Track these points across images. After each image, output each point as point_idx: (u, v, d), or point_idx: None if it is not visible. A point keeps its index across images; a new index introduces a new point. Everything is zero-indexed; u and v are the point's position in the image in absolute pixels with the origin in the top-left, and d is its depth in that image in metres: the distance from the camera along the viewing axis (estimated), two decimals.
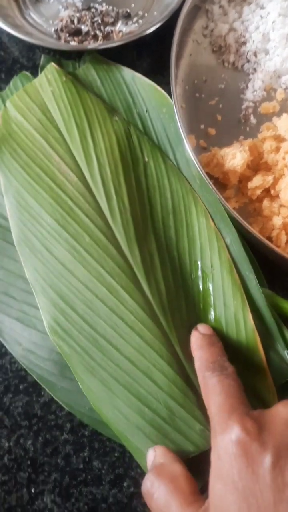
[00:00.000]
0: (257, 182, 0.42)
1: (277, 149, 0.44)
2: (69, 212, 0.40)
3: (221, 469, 0.28)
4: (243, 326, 0.39)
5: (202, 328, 0.39)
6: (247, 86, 0.47)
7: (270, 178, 0.42)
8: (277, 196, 0.42)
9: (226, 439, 0.28)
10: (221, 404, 0.31)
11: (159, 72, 0.49)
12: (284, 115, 0.44)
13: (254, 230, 0.39)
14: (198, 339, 0.38)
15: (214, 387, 0.33)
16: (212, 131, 0.46)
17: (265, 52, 0.48)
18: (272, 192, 0.43)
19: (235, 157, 0.42)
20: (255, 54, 0.48)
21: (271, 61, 0.47)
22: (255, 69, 0.48)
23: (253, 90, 0.47)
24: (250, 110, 0.47)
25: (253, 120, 0.47)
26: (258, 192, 0.42)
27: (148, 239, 0.41)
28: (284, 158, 0.43)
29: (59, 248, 0.40)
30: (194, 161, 0.40)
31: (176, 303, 0.40)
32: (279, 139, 0.44)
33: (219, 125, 0.46)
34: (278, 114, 0.47)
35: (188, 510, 0.29)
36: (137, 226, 0.41)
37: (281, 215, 0.41)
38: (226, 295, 0.40)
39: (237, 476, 0.27)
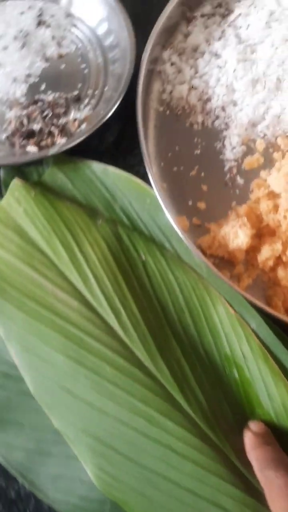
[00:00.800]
0: (266, 253, 0.39)
1: (275, 208, 0.41)
2: (80, 344, 0.37)
3: None
4: None
5: (254, 426, 0.36)
6: (224, 145, 0.44)
7: (278, 246, 0.39)
8: None
9: None
10: None
11: (128, 152, 0.46)
12: (274, 172, 0.41)
13: (274, 311, 0.36)
14: (251, 439, 0.35)
15: (281, 490, 0.31)
16: (201, 205, 0.43)
17: (233, 104, 0.45)
18: (284, 258, 0.40)
19: (237, 235, 0.39)
20: (223, 108, 0.45)
21: (242, 112, 0.44)
22: (227, 124, 0.45)
23: (232, 148, 0.44)
24: (234, 170, 0.44)
25: (240, 180, 0.44)
26: (270, 263, 0.40)
27: (171, 347, 0.38)
28: (285, 217, 0.40)
29: (80, 388, 0.36)
30: (194, 252, 0.37)
31: (219, 408, 0.37)
32: (273, 195, 0.42)
33: (207, 196, 0.43)
34: (264, 166, 0.44)
35: None
36: (155, 337, 0.38)
37: None
38: (267, 385, 0.37)
39: None
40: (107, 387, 0.36)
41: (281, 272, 0.40)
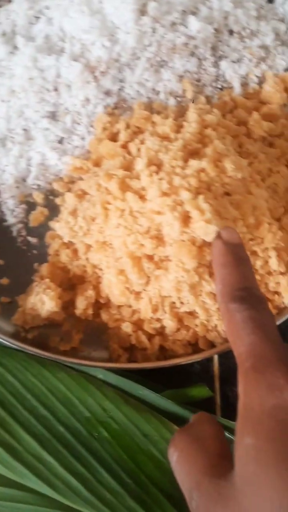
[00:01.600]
0: (81, 304, 0.38)
1: (75, 254, 0.40)
2: None
3: (256, 428, 0.22)
4: None
5: (226, 233, 0.31)
6: (2, 211, 0.42)
7: (90, 292, 0.38)
8: (108, 301, 0.39)
9: (269, 401, 0.22)
10: (255, 348, 0.25)
11: None
12: (56, 224, 0.40)
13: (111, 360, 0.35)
14: (221, 251, 0.30)
15: (245, 324, 0.26)
16: (4, 281, 0.41)
17: None
18: (101, 300, 0.39)
19: (43, 302, 0.37)
20: None
21: (5, 173, 0.43)
22: None
23: (11, 211, 0.42)
24: (24, 232, 0.42)
25: (33, 239, 0.42)
26: (90, 311, 0.38)
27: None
28: (87, 259, 0.39)
29: None
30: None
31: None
32: (68, 244, 0.40)
33: (7, 269, 0.41)
34: (51, 216, 0.42)
35: (211, 472, 0.23)
36: None
37: (124, 318, 0.38)
38: (138, 425, 0.37)
39: (276, 427, 0.22)
40: None
41: (104, 316, 0.39)
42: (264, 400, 0.23)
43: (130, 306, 0.38)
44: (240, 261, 0.30)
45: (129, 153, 0.41)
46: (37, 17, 0.44)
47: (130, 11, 0.41)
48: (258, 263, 0.37)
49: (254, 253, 0.37)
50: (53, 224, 0.42)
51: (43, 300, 0.37)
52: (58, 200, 0.43)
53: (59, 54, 0.42)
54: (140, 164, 0.37)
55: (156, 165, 0.37)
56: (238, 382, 0.25)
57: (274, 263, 0.37)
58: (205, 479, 0.24)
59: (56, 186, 0.43)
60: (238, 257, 0.30)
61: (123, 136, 0.41)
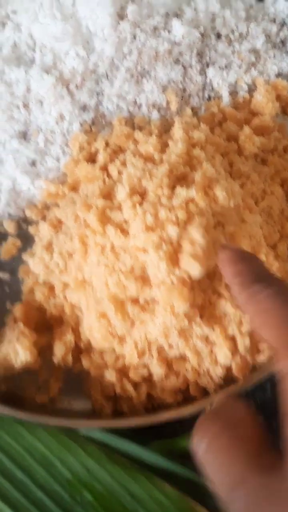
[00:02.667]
0: (60, 351, 0.34)
1: (51, 291, 0.36)
2: None
3: None
4: None
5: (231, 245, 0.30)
6: None
7: (69, 337, 0.34)
8: (89, 345, 0.35)
9: None
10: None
11: None
12: (30, 260, 0.36)
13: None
14: (229, 254, 0.28)
15: (273, 299, 0.23)
16: None
17: None
18: (82, 345, 0.35)
19: (17, 352, 0.33)
20: None
21: None
22: None
23: None
24: None
25: (3, 275, 0.38)
26: (69, 357, 0.34)
27: None
28: (65, 298, 0.35)
29: None
30: None
31: None
32: (46, 284, 0.36)
33: None
34: (24, 247, 0.38)
35: (256, 467, 0.20)
36: None
37: (107, 364, 0.34)
38: (126, 484, 0.33)
39: None
40: None
41: (85, 362, 0.35)
42: None
43: (113, 351, 0.34)
44: (253, 257, 0.29)
45: (109, 175, 0.37)
46: (3, 23, 0.39)
47: (107, 15, 0.37)
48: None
49: None
50: (26, 258, 0.37)
51: (16, 350, 0.33)
52: (31, 229, 0.39)
53: (28, 66, 0.38)
54: (121, 194, 0.33)
55: (139, 193, 0.33)
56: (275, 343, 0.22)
57: None
58: (251, 474, 0.20)
59: (29, 213, 0.39)
60: (248, 255, 0.29)
61: (102, 158, 0.37)
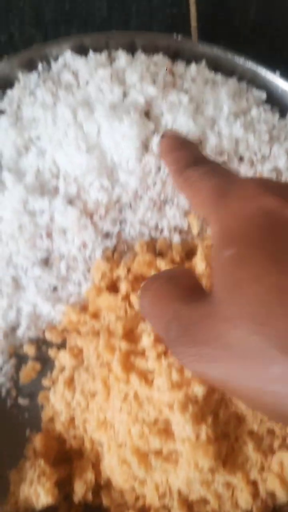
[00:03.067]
0: (80, 490, 0.35)
1: (71, 422, 0.36)
2: None
3: (236, 238, 0.22)
4: None
5: (170, 132, 0.34)
6: None
7: (89, 475, 0.35)
8: (109, 482, 0.35)
9: (247, 210, 0.22)
10: (220, 184, 0.25)
11: None
12: (52, 397, 0.36)
13: None
14: (167, 142, 0.32)
15: (204, 176, 0.27)
16: None
17: None
18: (102, 481, 0.35)
19: (38, 494, 0.33)
20: None
21: None
22: None
23: (0, 372, 0.38)
24: (14, 393, 0.38)
25: (23, 401, 0.38)
26: (89, 495, 0.35)
27: None
28: (85, 430, 0.35)
29: None
30: None
31: None
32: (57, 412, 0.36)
33: None
34: (44, 370, 0.38)
35: (189, 299, 0.23)
36: None
37: (128, 504, 0.34)
38: None
39: (257, 230, 0.21)
40: None
41: (106, 500, 0.35)
42: (243, 212, 0.23)
43: (134, 490, 0.34)
44: (188, 142, 0.32)
45: (130, 305, 0.37)
46: (27, 148, 0.39)
47: (132, 148, 0.37)
48: (275, 444, 0.34)
49: (271, 432, 0.34)
50: (46, 381, 0.38)
51: (38, 493, 0.33)
52: (51, 352, 0.38)
53: (52, 195, 0.38)
54: (145, 341, 0.33)
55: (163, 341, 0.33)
56: (208, 213, 0.25)
57: None
58: (182, 307, 0.23)
59: (49, 336, 0.39)
60: (184, 140, 0.32)
61: (124, 287, 0.37)
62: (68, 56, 0.42)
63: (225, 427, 0.33)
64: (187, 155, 0.30)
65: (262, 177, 0.30)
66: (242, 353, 0.19)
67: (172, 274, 0.26)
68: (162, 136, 0.33)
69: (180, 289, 0.24)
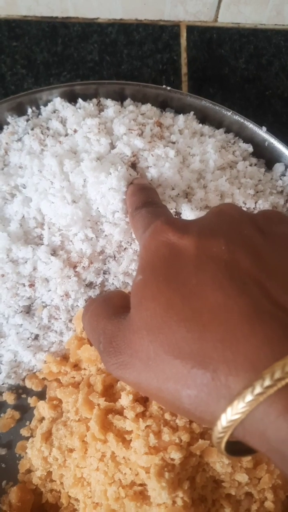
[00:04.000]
0: None
1: (48, 475, 0.35)
2: None
3: (144, 267, 0.26)
4: None
5: (137, 180, 0.37)
6: None
7: None
8: None
9: (153, 244, 0.26)
10: (150, 222, 0.29)
11: None
12: (29, 451, 0.35)
13: None
14: (133, 189, 0.36)
15: (144, 217, 0.31)
16: None
17: None
18: None
19: None
20: None
21: None
22: None
23: None
24: None
25: (1, 450, 0.36)
26: None
27: None
28: (62, 485, 0.34)
29: None
30: None
31: None
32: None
33: None
34: (22, 419, 0.37)
35: (114, 317, 0.27)
36: None
37: None
38: None
39: (158, 259, 0.26)
40: None
41: None
42: (151, 245, 0.27)
43: None
44: (147, 189, 0.36)
45: None
46: (12, 194, 0.38)
47: (118, 201, 0.36)
48: (253, 508, 0.33)
49: (249, 495, 0.33)
50: (25, 431, 0.36)
51: None
52: (31, 401, 0.37)
53: (36, 245, 0.37)
54: (124, 400, 0.32)
55: (142, 400, 0.32)
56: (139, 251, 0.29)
57: (270, 506, 0.33)
58: (108, 323, 0.27)
59: (29, 384, 0.37)
60: (145, 187, 0.36)
61: None
62: (57, 103, 0.42)
63: (202, 490, 0.32)
64: (141, 199, 0.34)
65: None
66: (146, 359, 0.23)
67: (107, 296, 0.30)
68: (130, 183, 0.37)
69: (111, 308, 0.28)
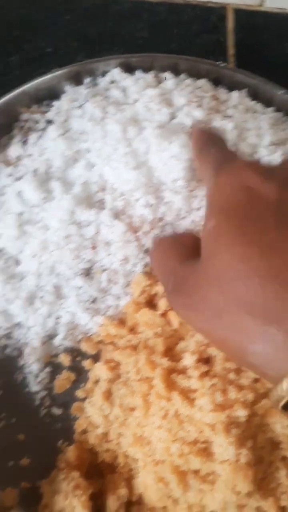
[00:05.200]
0: (113, 506, 0.32)
1: (105, 435, 0.34)
2: None
3: (216, 212, 0.25)
4: None
5: (202, 125, 0.36)
6: (25, 375, 0.36)
7: (123, 491, 0.33)
8: (140, 499, 0.33)
9: (227, 189, 0.25)
10: (220, 157, 0.29)
11: None
12: (89, 409, 0.34)
13: None
14: (197, 129, 0.35)
15: (213, 152, 0.30)
16: (25, 461, 0.35)
17: (17, 327, 0.37)
18: (133, 498, 0.33)
19: (74, 507, 0.31)
20: (7, 336, 0.36)
21: (30, 332, 0.37)
22: (20, 350, 0.37)
23: (35, 377, 0.36)
24: (48, 401, 0.36)
25: (57, 410, 0.36)
26: (122, 511, 0.33)
27: None
28: (118, 444, 0.34)
29: None
30: None
31: None
32: (93, 425, 0.34)
33: (28, 447, 0.35)
34: (78, 382, 0.36)
35: (185, 260, 0.27)
36: None
37: None
38: None
39: (234, 204, 0.24)
40: None
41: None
42: (226, 187, 0.25)
43: (166, 509, 0.33)
44: (214, 133, 0.35)
45: (169, 323, 0.35)
46: (75, 159, 0.37)
47: (180, 169, 0.35)
48: None
49: None
50: (80, 392, 0.36)
51: (73, 506, 0.31)
52: (86, 363, 0.37)
53: (99, 208, 0.36)
54: (188, 360, 0.32)
55: (205, 360, 0.32)
56: (206, 182, 0.29)
57: None
58: (179, 266, 0.27)
59: (84, 347, 0.37)
60: (212, 131, 0.36)
61: (162, 304, 0.35)
62: (116, 73, 0.41)
63: (261, 451, 0.32)
64: (210, 138, 0.33)
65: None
66: (215, 308, 0.23)
67: (177, 237, 0.30)
68: (193, 127, 0.35)
69: (180, 250, 0.28)
